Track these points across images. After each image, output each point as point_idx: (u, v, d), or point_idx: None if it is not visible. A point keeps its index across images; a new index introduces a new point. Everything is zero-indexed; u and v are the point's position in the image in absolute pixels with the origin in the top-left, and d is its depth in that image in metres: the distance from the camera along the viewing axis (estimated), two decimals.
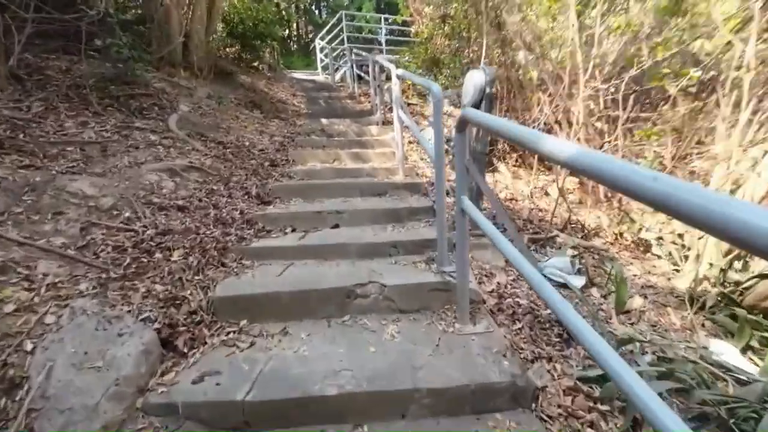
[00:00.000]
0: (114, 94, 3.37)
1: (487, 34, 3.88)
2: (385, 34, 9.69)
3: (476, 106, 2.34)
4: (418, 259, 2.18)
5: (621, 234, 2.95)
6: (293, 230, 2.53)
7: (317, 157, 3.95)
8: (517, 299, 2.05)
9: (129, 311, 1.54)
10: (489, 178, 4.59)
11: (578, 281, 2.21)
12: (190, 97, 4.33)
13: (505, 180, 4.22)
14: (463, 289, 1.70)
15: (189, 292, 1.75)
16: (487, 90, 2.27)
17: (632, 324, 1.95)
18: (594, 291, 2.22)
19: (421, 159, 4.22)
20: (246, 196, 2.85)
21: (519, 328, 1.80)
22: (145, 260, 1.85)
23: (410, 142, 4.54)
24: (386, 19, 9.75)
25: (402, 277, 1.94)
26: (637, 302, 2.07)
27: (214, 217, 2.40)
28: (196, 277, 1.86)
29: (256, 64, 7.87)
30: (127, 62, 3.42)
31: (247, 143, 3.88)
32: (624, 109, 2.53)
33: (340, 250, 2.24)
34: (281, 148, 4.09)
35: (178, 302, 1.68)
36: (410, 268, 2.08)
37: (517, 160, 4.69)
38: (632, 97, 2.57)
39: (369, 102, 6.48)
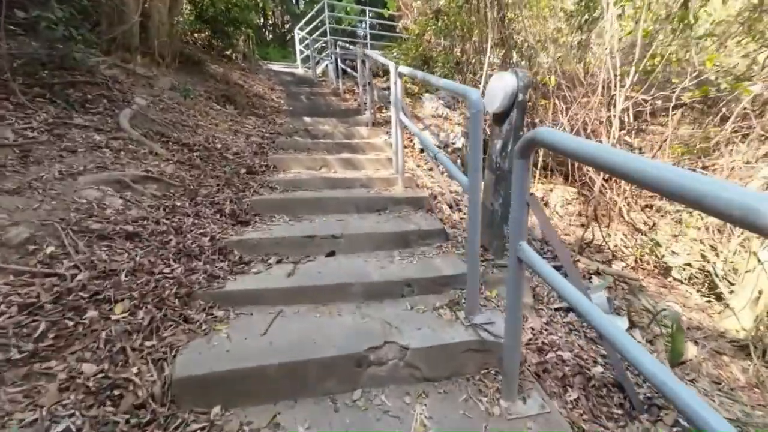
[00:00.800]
0: (47, 82, 2.68)
1: (490, 32, 3.51)
2: (368, 28, 9.15)
3: (505, 115, 1.94)
4: (439, 302, 1.76)
5: (642, 256, 2.68)
6: (279, 261, 2.02)
7: (302, 163, 3.42)
8: (558, 352, 1.68)
9: (34, 420, 1.00)
10: None
11: (622, 324, 1.89)
12: (150, 88, 3.64)
13: None
14: (512, 359, 1.29)
15: (136, 370, 1.22)
16: (520, 97, 1.87)
17: (693, 381, 1.64)
18: (637, 334, 1.90)
19: (418, 166, 3.80)
20: (218, 215, 2.30)
21: (575, 399, 1.43)
22: (71, 323, 1.29)
23: (406, 147, 4.11)
24: (370, 11, 9.19)
25: (425, 333, 1.51)
26: (691, 351, 1.77)
27: (175, 247, 1.85)
28: (148, 344, 1.33)
29: (228, 53, 7.10)
30: (66, 43, 2.72)
31: (219, 145, 3.28)
32: (650, 120, 2.25)
33: (341, 292, 1.77)
34: (260, 151, 3.52)
35: (117, 392, 1.15)
36: (432, 317, 1.66)
37: None
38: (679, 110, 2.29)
39: (355, 100, 5.96)
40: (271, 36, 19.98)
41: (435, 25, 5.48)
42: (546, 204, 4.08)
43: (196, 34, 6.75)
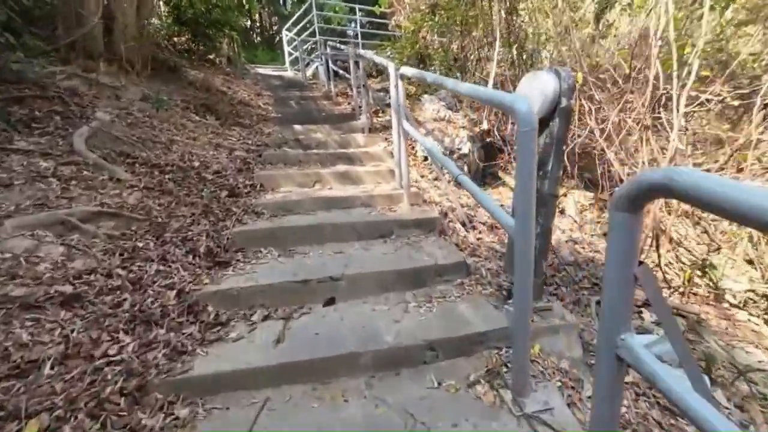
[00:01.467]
0: None
1: (497, 25, 3.10)
2: (358, 26, 8.69)
3: (543, 124, 1.53)
4: (473, 373, 1.35)
5: (689, 280, 2.30)
6: (265, 317, 1.60)
7: (293, 180, 2.99)
8: None
9: None
10: (494, 193, 3.88)
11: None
12: (116, 99, 3.18)
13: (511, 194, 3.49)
14: None
15: None
16: (564, 102, 1.46)
17: None
18: (720, 396, 1.51)
19: (422, 176, 3.38)
20: (191, 256, 1.87)
21: None
22: None
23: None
24: (360, 10, 8.74)
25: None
26: None
27: (129, 310, 1.42)
28: None
29: (212, 57, 6.62)
30: (2, 52, 2.27)
31: (196, 163, 2.84)
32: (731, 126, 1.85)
33: (345, 364, 1.35)
34: (244, 167, 3.08)
35: None
36: (468, 399, 1.24)
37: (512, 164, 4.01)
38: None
39: (349, 103, 5.53)
40: (259, 38, 19.45)
41: (432, 20, 5.06)
42: (562, 212, 3.69)
43: (175, 38, 6.27)
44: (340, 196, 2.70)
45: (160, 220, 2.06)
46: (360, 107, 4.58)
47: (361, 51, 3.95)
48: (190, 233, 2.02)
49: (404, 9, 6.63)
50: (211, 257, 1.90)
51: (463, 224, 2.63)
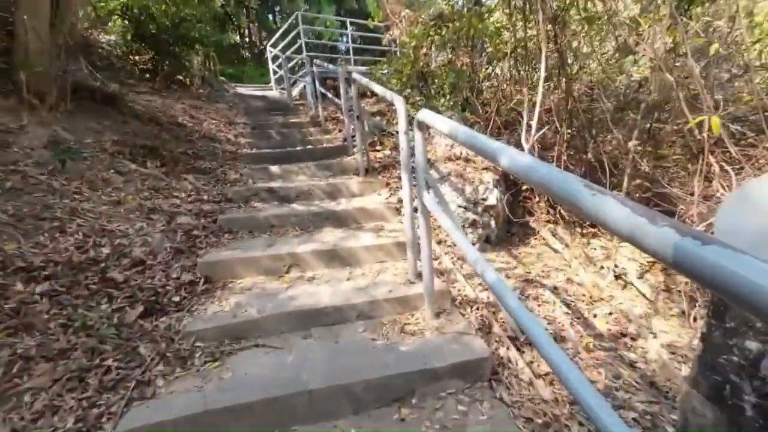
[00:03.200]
0: None
1: (544, 41, 2.18)
2: (350, 41, 7.82)
3: None
4: None
5: None
6: None
7: (256, 268, 1.98)
8: None
9: None
10: (531, 255, 2.90)
11: None
12: (2, 151, 2.16)
13: (553, 255, 2.53)
14: None
15: None
16: None
17: None
18: None
19: (453, 263, 2.34)
20: None
21: None
22: None
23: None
24: (352, 23, 7.87)
25: None
26: None
27: None
28: None
29: (182, 77, 5.64)
30: None
31: (105, 251, 1.82)
32: None
33: None
34: (187, 246, 2.06)
35: None
36: None
37: (549, 212, 3.07)
38: None
39: (340, 131, 4.57)
40: (248, 54, 18.64)
41: (438, 34, 4.16)
42: (597, 264, 2.73)
43: (137, 57, 5.28)
44: (325, 305, 1.69)
45: None
46: (353, 138, 3.62)
47: (355, 74, 3.00)
48: None
49: (401, 22, 5.75)
50: None
51: (517, 347, 1.64)
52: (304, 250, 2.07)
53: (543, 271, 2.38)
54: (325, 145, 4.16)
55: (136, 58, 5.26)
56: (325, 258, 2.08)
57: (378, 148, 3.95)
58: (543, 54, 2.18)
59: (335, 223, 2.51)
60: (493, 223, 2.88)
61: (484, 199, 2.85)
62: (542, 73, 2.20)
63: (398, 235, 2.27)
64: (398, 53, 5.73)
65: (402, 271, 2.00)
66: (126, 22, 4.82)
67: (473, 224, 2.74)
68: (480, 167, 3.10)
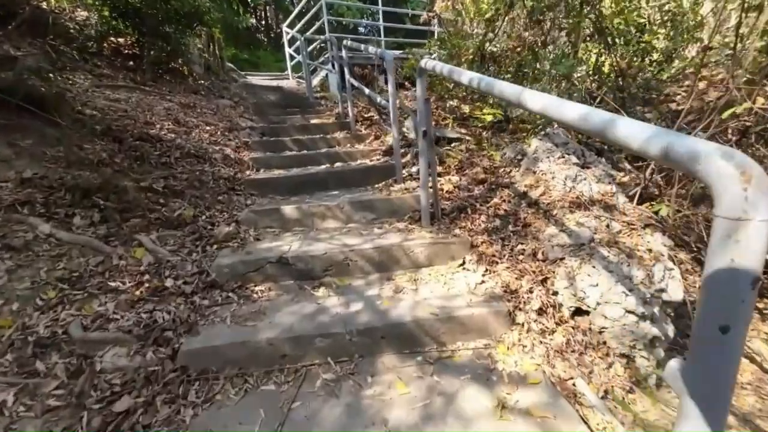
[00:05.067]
0: None
1: None
2: (381, 18, 6.36)
3: None
4: None
5: None
6: None
7: None
8: None
9: None
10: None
11: None
12: None
13: None
14: None
15: None
16: None
17: None
18: None
19: (575, 364, 1.10)
20: None
21: None
22: None
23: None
24: None
25: None
26: None
27: None
28: None
29: (178, 65, 4.44)
30: None
31: None
32: None
33: None
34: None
35: None
36: None
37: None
38: None
39: (377, 137, 3.28)
40: (264, 39, 17.30)
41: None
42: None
43: (119, 39, 4.10)
44: None
45: None
46: (402, 153, 2.36)
47: (430, 60, 1.70)
48: None
49: None
50: None
51: None
52: None
53: None
54: (359, 161, 2.91)
55: (119, 40, 4.09)
56: None
57: (438, 169, 2.66)
58: None
59: (400, 343, 1.30)
60: (670, 329, 1.59)
61: (663, 290, 1.55)
62: None
63: (523, 360, 1.03)
64: (445, 33, 4.31)
65: None
66: None
67: (651, 344, 1.44)
68: (635, 216, 1.78)
